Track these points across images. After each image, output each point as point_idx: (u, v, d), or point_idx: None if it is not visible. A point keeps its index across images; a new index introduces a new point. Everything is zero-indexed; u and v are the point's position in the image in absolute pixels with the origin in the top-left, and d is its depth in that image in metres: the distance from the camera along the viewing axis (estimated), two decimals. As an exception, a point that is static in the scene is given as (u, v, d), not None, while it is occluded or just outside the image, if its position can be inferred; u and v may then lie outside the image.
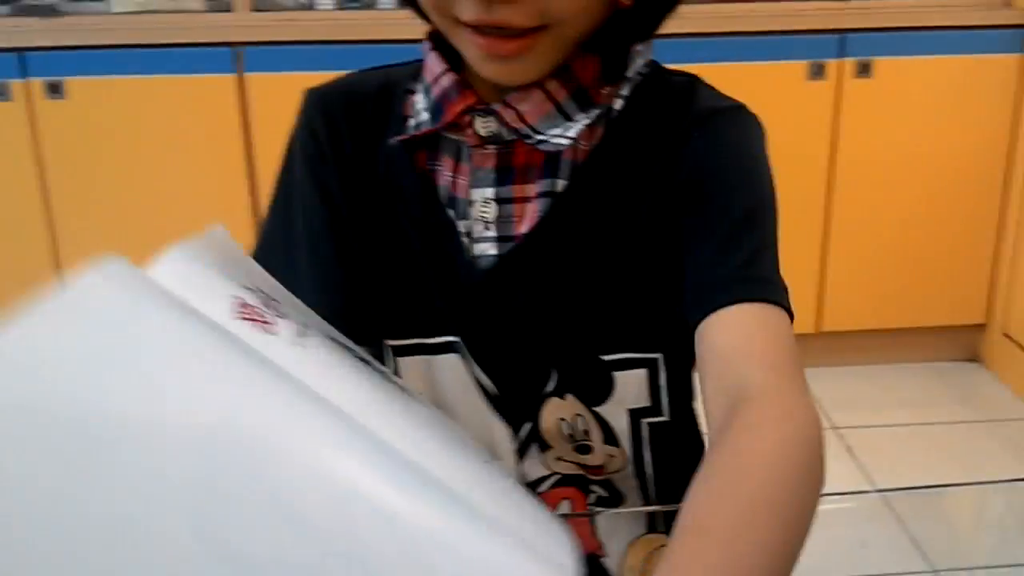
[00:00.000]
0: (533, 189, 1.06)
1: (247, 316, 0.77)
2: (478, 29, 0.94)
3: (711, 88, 1.11)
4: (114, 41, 3.33)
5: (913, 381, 3.79)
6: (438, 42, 1.07)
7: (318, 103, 1.15)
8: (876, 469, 3.26)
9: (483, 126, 1.04)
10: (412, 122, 1.08)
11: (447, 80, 1.05)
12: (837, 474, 3.12)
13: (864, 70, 3.52)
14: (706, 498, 0.76)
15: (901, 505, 3.01)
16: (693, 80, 1.11)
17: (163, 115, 3.39)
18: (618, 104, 1.06)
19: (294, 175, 1.14)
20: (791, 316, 0.96)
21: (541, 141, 1.02)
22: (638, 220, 1.06)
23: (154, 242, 3.13)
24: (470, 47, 0.97)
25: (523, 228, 1.06)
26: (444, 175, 1.08)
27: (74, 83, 3.35)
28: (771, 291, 0.96)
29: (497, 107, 1.03)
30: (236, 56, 3.35)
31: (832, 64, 3.50)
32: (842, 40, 3.49)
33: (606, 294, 1.05)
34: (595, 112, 1.04)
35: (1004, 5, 3.63)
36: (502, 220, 1.07)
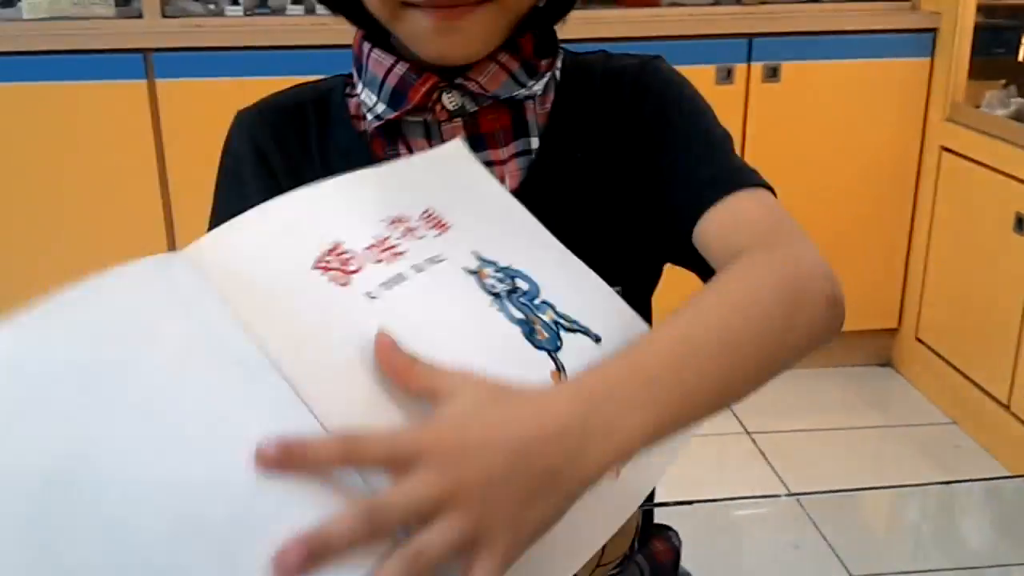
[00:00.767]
0: (508, 151, 1.15)
1: (326, 266, 0.84)
2: (428, 6, 1.02)
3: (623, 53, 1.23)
4: (24, 48, 3.30)
5: (826, 386, 3.80)
6: (375, 41, 1.14)
7: (257, 121, 1.18)
8: (790, 474, 3.27)
9: (449, 101, 1.12)
10: (369, 116, 1.14)
11: (401, 68, 1.12)
12: (751, 479, 3.15)
13: (772, 74, 3.54)
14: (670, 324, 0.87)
15: (816, 509, 3.03)
16: (604, 51, 1.23)
17: (75, 121, 3.36)
18: (558, 74, 1.18)
19: (245, 191, 1.15)
20: (774, 194, 1.10)
21: (509, 98, 1.12)
22: (608, 161, 1.16)
23: (64, 246, 3.10)
24: (419, 25, 1.04)
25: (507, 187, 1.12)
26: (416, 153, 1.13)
27: (-15, 88, 3.32)
28: (753, 177, 1.10)
29: (460, 80, 1.11)
30: (146, 62, 3.32)
31: (740, 68, 3.53)
32: (750, 44, 3.52)
33: (582, 234, 1.08)
34: (546, 75, 1.15)
35: (911, 9, 3.68)
36: None
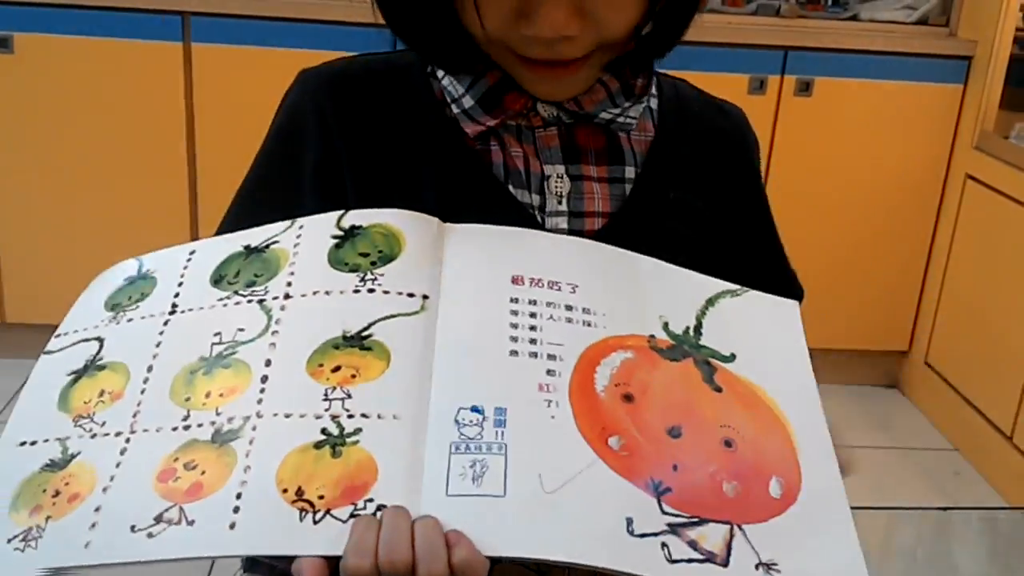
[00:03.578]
0: (600, 172, 1.13)
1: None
2: (535, 63, 1.02)
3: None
4: (66, 1, 3.31)
5: (831, 403, 3.77)
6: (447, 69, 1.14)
7: (321, 82, 1.16)
8: (788, 486, 3.28)
9: (544, 110, 1.11)
10: (455, 107, 1.12)
11: (498, 72, 1.09)
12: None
13: (804, 88, 3.55)
14: None
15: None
16: (688, 82, 1.25)
17: (109, 77, 3.38)
18: (654, 103, 1.17)
19: (297, 149, 1.15)
20: None
21: (610, 121, 1.11)
22: (701, 207, 1.18)
23: (88, 195, 3.14)
24: (526, 73, 1.05)
25: (594, 207, 1.12)
26: (511, 153, 1.12)
27: (23, 39, 3.34)
28: (798, 288, 1.24)
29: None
30: (184, 24, 3.34)
31: (774, 80, 3.53)
32: (785, 57, 3.53)
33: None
34: (643, 102, 1.14)
35: (948, 35, 3.68)
36: (574, 196, 1.12)
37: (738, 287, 1.06)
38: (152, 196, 3.49)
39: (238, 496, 0.84)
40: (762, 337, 1.05)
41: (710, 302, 1.04)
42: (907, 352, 3.95)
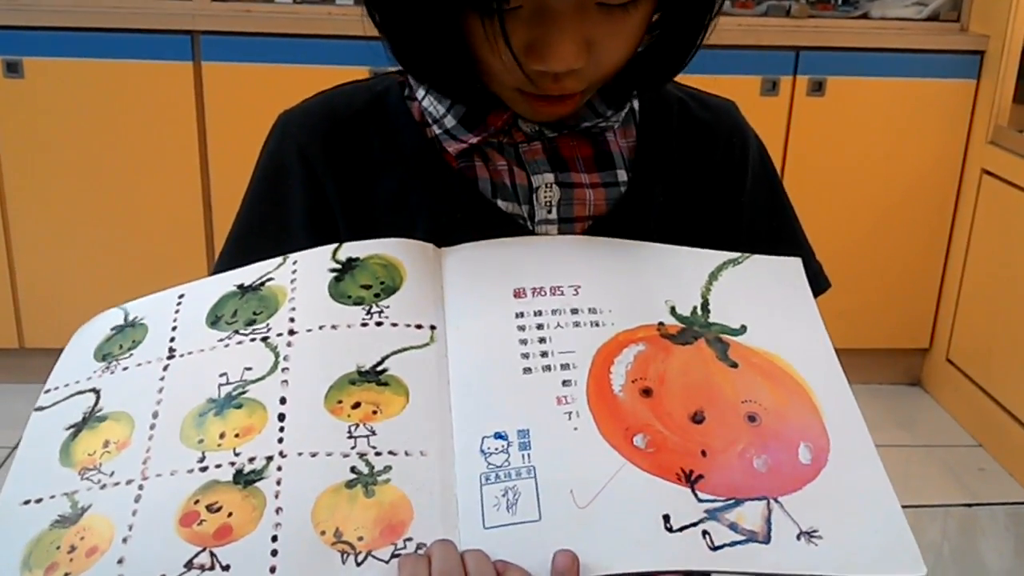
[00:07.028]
0: (591, 179, 1.13)
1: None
2: (536, 98, 1.02)
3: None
4: (74, 24, 3.33)
5: (855, 402, 3.79)
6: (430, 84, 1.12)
7: (301, 123, 1.16)
8: (813, 487, 3.26)
9: (526, 125, 1.10)
10: (436, 129, 1.12)
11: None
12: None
13: (817, 88, 3.54)
14: None
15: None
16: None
17: (120, 98, 3.39)
18: (635, 104, 1.17)
19: (283, 197, 1.15)
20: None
21: (587, 128, 1.12)
22: (694, 205, 1.17)
23: (103, 220, 3.14)
24: (523, 105, 1.04)
25: (585, 211, 1.12)
26: (495, 167, 1.12)
27: (33, 63, 3.35)
28: (824, 281, 1.20)
29: None
30: (194, 44, 3.34)
31: (786, 80, 3.52)
32: (797, 57, 3.52)
33: None
34: (627, 105, 1.14)
35: (960, 30, 3.67)
36: (563, 203, 1.12)
37: (738, 255, 1.07)
38: (167, 216, 3.50)
39: (274, 539, 0.83)
40: (770, 302, 1.05)
41: (713, 276, 1.05)
42: (928, 349, 3.94)
